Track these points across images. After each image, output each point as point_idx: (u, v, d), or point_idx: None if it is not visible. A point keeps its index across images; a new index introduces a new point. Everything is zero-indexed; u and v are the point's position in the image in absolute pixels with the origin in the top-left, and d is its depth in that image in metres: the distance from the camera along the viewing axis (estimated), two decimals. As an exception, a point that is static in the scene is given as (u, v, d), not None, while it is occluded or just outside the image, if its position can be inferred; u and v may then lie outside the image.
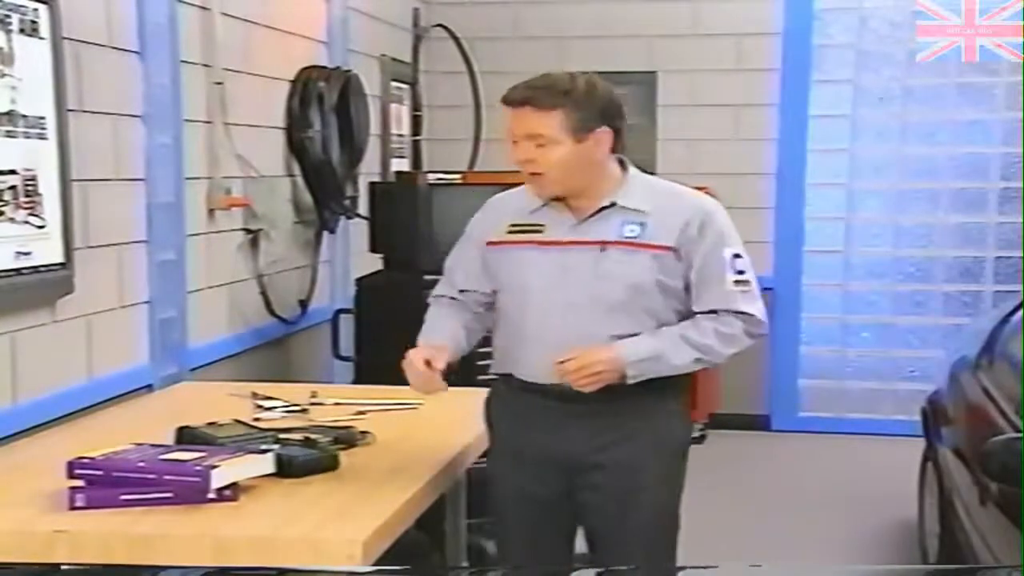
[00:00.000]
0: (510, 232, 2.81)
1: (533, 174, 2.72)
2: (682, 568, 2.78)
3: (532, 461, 2.79)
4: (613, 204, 2.75)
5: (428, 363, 2.71)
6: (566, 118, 2.67)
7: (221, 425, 2.93)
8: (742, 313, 2.74)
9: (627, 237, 2.72)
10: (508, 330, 2.83)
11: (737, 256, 2.76)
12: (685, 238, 2.72)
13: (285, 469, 2.64)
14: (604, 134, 2.72)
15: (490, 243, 2.84)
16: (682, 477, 2.91)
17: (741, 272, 2.75)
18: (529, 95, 2.70)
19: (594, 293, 2.71)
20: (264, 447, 2.71)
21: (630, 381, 2.69)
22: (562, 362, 2.65)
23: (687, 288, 2.75)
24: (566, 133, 2.68)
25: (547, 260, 2.76)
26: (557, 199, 2.77)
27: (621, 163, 2.83)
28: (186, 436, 2.85)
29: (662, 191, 2.81)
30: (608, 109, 2.73)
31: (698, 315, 2.75)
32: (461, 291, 2.93)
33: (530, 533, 2.85)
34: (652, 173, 2.92)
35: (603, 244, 2.72)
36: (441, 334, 2.86)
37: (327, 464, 2.72)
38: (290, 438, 2.86)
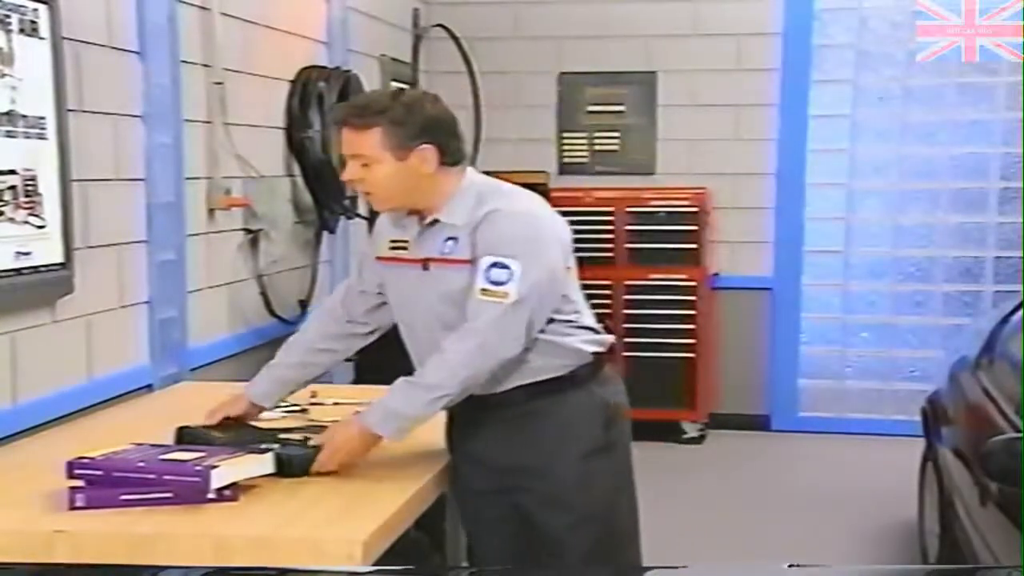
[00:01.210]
0: (390, 248, 2.85)
1: (365, 192, 2.76)
2: (647, 569, 2.78)
3: (473, 463, 2.84)
4: (436, 221, 2.75)
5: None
6: (384, 136, 2.67)
7: (220, 425, 2.92)
8: (470, 331, 2.64)
9: (444, 254, 2.73)
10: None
11: (499, 266, 2.64)
12: (474, 245, 2.70)
13: (285, 469, 2.64)
14: (427, 151, 2.70)
15: (377, 258, 2.90)
16: (608, 477, 2.86)
17: (497, 283, 2.63)
18: (346, 115, 2.73)
19: (429, 310, 2.75)
20: (264, 446, 2.71)
21: (395, 438, 2.71)
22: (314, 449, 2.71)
23: None
24: (386, 151, 2.68)
25: (403, 277, 2.81)
26: (413, 212, 2.79)
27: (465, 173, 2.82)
28: (186, 436, 2.85)
29: (486, 200, 2.74)
30: (431, 125, 2.72)
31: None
32: (361, 292, 2.98)
33: (489, 532, 2.89)
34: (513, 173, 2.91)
35: (425, 262, 2.76)
36: (258, 388, 2.99)
37: None
38: (290, 438, 2.86)
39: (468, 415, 2.75)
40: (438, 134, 2.73)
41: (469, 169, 2.83)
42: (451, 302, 2.71)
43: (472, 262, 2.68)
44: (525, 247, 2.67)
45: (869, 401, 6.99)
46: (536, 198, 2.85)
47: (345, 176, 2.77)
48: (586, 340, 2.83)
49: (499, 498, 2.84)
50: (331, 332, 3.02)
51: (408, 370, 2.79)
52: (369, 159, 2.68)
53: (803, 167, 6.89)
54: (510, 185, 2.85)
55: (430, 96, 2.81)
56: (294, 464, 2.66)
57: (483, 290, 2.63)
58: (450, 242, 2.73)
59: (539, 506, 2.80)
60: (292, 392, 3.04)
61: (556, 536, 2.79)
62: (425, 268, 2.75)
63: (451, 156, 2.74)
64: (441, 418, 3.27)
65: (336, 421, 3.09)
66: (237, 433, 2.87)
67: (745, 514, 5.42)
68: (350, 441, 2.69)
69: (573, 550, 2.77)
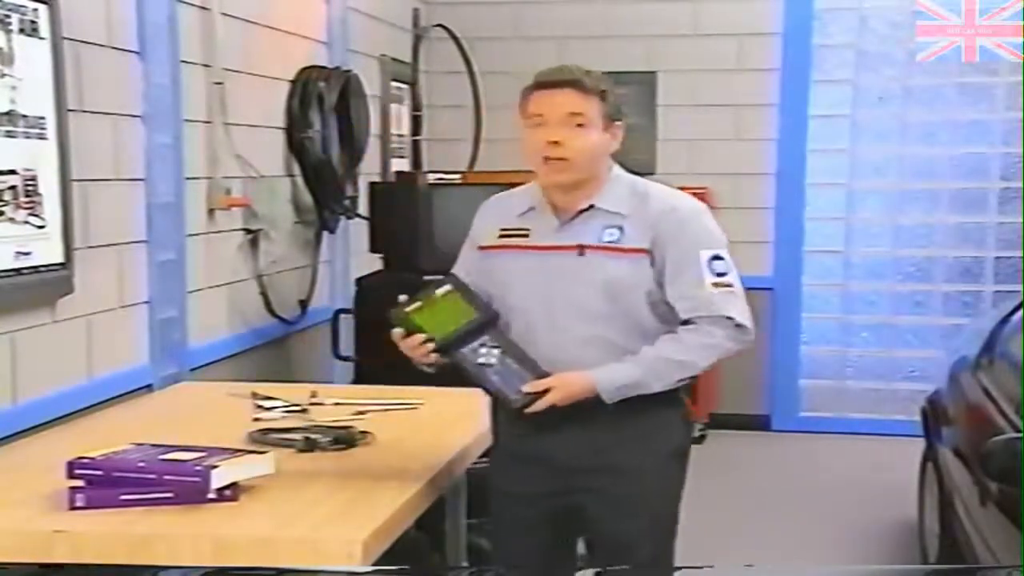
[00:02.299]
0: (500, 236, 2.80)
1: (555, 159, 2.67)
2: (677, 569, 2.77)
3: (529, 463, 2.77)
4: (592, 207, 2.73)
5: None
6: (602, 105, 2.70)
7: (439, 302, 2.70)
8: (725, 318, 2.68)
9: (606, 242, 2.70)
10: None
11: (717, 258, 2.70)
12: (658, 240, 2.69)
13: (505, 404, 2.60)
14: (620, 129, 2.75)
15: (482, 248, 2.84)
16: (682, 480, 2.88)
17: (722, 275, 2.70)
18: (574, 78, 2.71)
19: (574, 298, 2.69)
20: (480, 360, 2.62)
21: (609, 403, 2.66)
22: (531, 394, 2.62)
23: (663, 291, 2.71)
24: (600, 119, 2.70)
25: (531, 265, 2.74)
26: (551, 202, 2.75)
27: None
28: (394, 319, 2.66)
29: (641, 191, 2.77)
30: (620, 107, 2.77)
31: (679, 327, 2.69)
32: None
33: (525, 535, 2.83)
34: (639, 173, 2.89)
35: (581, 248, 2.71)
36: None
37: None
38: (509, 364, 2.66)
39: (545, 415, 2.66)
40: (622, 116, 2.77)
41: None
42: (608, 290, 2.68)
43: (647, 252, 2.68)
44: (722, 240, 2.76)
45: (869, 401, 6.99)
46: None
47: (549, 137, 2.67)
48: None
49: (554, 501, 2.78)
50: None
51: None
52: (587, 120, 2.67)
53: (803, 167, 6.90)
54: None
55: None
56: (519, 403, 2.60)
57: (714, 283, 2.68)
58: (611, 230, 2.71)
59: (610, 508, 2.74)
60: None
61: (620, 541, 2.75)
62: (581, 254, 2.71)
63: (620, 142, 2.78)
64: (442, 417, 3.28)
65: (336, 421, 3.09)
66: (457, 332, 2.65)
67: (745, 514, 5.42)
68: (575, 396, 2.63)
69: (634, 552, 2.74)
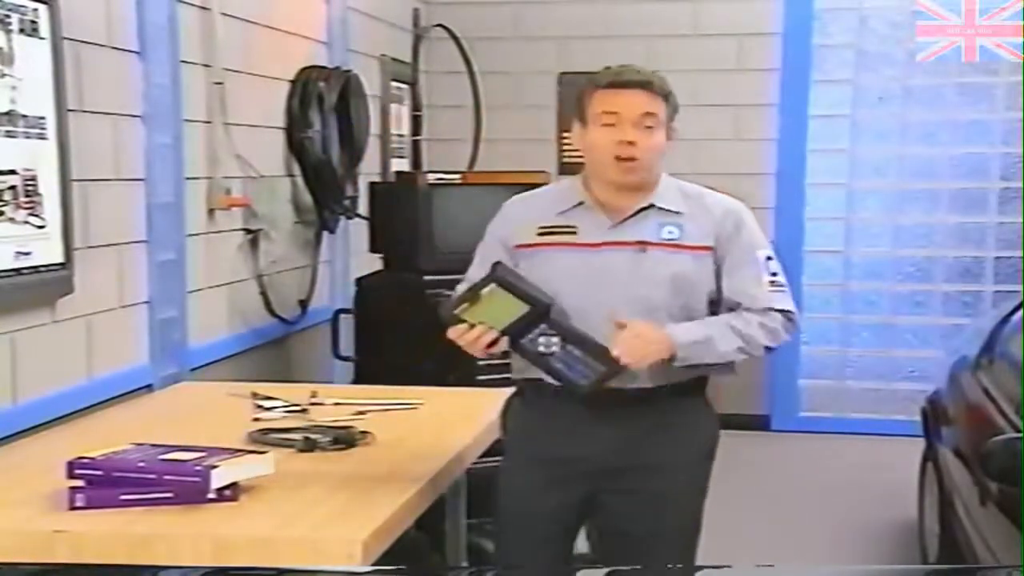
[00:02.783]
0: (540, 234, 2.76)
1: (626, 159, 2.69)
2: (698, 568, 2.77)
3: (556, 468, 2.75)
4: (652, 205, 2.75)
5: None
6: (667, 108, 2.75)
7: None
8: (781, 311, 2.77)
9: (666, 239, 2.73)
10: None
11: (769, 258, 2.79)
12: (721, 238, 2.75)
13: (568, 385, 2.60)
14: (675, 132, 2.79)
15: (519, 246, 2.78)
16: (709, 479, 2.88)
17: (775, 274, 2.79)
18: (647, 79, 2.74)
19: (633, 294, 2.69)
20: (541, 355, 2.61)
21: (677, 364, 2.67)
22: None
23: (719, 289, 2.76)
24: (666, 121, 2.74)
25: (582, 262, 2.72)
26: (601, 200, 2.75)
27: None
28: (447, 319, 2.63)
29: (692, 192, 2.82)
30: (678, 109, 2.81)
31: (739, 310, 2.75)
32: None
33: (535, 547, 2.81)
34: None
35: (643, 245, 2.72)
36: None
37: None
38: (569, 352, 2.64)
39: (592, 415, 2.68)
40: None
41: None
42: (673, 285, 2.70)
43: (711, 249, 2.73)
44: (767, 241, 2.83)
45: (869, 401, 6.99)
46: None
47: (622, 137, 2.69)
48: None
49: (574, 510, 2.79)
50: None
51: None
52: (657, 122, 2.71)
53: (803, 167, 6.90)
54: None
55: None
56: (587, 388, 2.61)
57: (771, 281, 2.77)
58: (670, 228, 2.74)
59: (641, 506, 2.73)
60: None
61: (648, 540, 2.74)
62: (643, 250, 2.72)
63: None
64: (442, 417, 3.28)
65: (336, 421, 3.08)
66: (509, 327, 2.62)
67: (745, 514, 5.42)
68: (659, 341, 2.63)
69: (662, 550, 2.74)
